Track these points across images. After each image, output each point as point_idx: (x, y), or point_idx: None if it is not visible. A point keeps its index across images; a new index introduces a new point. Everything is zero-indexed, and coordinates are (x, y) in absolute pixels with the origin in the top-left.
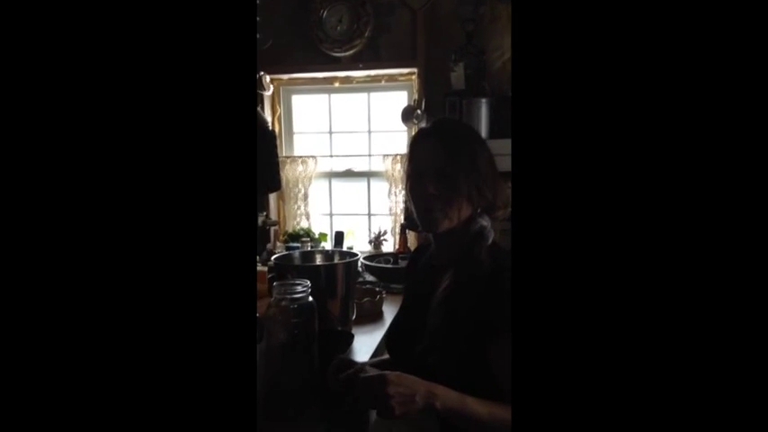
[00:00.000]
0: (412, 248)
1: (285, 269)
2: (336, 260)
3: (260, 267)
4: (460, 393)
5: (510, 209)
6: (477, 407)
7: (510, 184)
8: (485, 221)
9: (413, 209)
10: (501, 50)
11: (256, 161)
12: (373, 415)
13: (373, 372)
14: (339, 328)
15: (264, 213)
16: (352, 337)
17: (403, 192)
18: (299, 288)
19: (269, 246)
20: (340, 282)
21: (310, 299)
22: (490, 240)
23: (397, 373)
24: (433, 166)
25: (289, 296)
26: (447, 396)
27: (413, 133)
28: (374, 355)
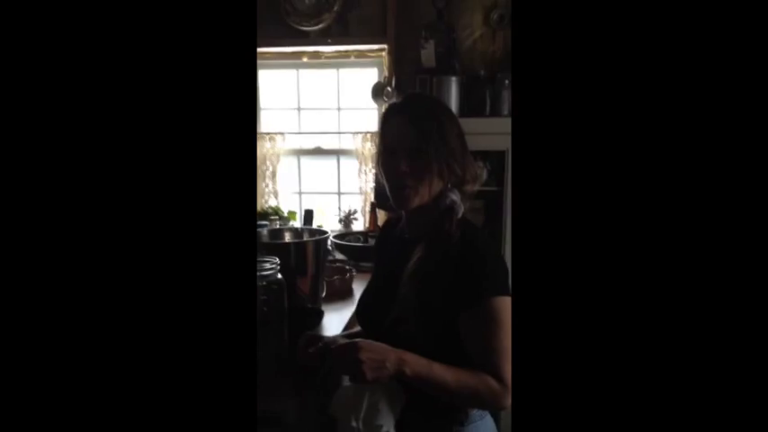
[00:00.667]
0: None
1: None
2: (306, 238)
3: None
4: (429, 360)
5: (477, 184)
6: (444, 373)
7: (480, 163)
8: (455, 196)
9: (385, 185)
10: (471, 29)
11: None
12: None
13: (345, 341)
14: (309, 306)
15: None
16: (321, 313)
17: (373, 170)
18: (267, 265)
19: None
20: (309, 259)
21: (279, 276)
22: (460, 214)
23: (368, 340)
24: (404, 143)
25: (257, 273)
26: (416, 362)
27: (383, 110)
28: (344, 330)
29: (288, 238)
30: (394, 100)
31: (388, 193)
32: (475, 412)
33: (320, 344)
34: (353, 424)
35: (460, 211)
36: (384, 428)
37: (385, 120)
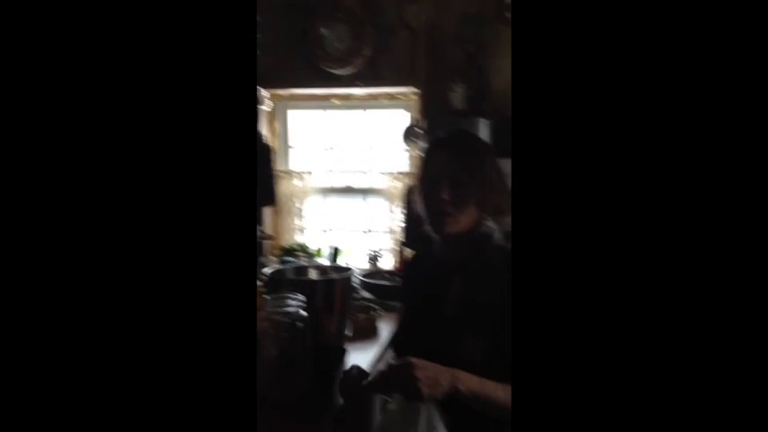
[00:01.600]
0: None
1: (279, 283)
2: (331, 275)
3: None
4: (480, 377)
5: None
6: (497, 390)
7: None
8: (491, 224)
9: (423, 211)
10: (502, 72)
11: (256, 173)
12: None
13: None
14: (333, 344)
15: (259, 228)
16: (344, 351)
17: (402, 210)
18: (292, 302)
19: (261, 259)
20: (335, 297)
21: (303, 313)
22: (497, 240)
23: (421, 360)
24: (446, 173)
25: (281, 310)
26: (469, 380)
27: (413, 152)
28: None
29: (313, 275)
30: (426, 140)
31: (428, 219)
32: None
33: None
34: None
35: (498, 237)
36: None
37: (429, 152)
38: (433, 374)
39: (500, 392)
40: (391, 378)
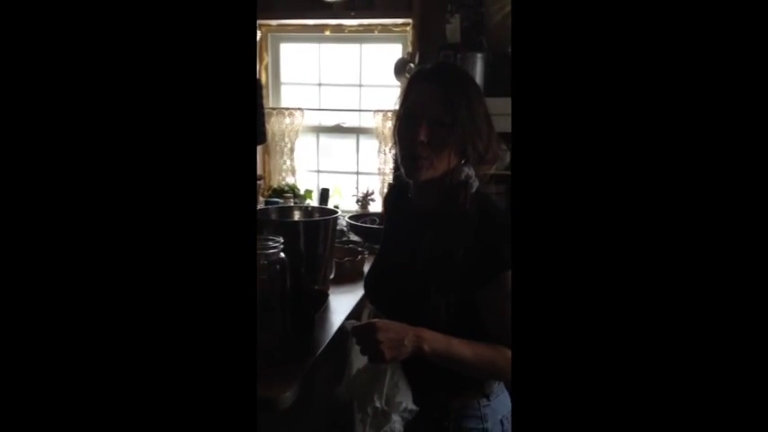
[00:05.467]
0: None
1: (262, 224)
2: (316, 217)
3: None
4: (446, 336)
5: (495, 167)
6: (462, 347)
7: (503, 145)
8: (470, 171)
9: (398, 152)
10: (500, 3)
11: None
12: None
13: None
14: (315, 287)
15: None
16: (326, 296)
17: (392, 151)
18: (271, 244)
19: None
20: (318, 239)
21: (282, 255)
22: (474, 189)
23: (385, 320)
24: (427, 112)
25: (258, 252)
26: (434, 339)
27: (409, 76)
28: (351, 314)
29: (297, 216)
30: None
31: (400, 161)
32: (497, 385)
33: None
34: (377, 404)
35: (475, 185)
36: (403, 404)
37: (410, 85)
38: (396, 336)
39: (466, 350)
40: (356, 340)
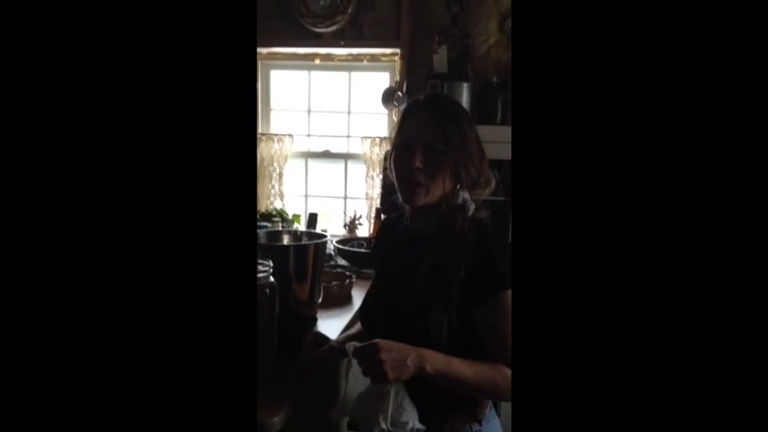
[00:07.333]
0: None
1: None
2: (305, 241)
3: None
4: (447, 355)
5: (488, 191)
6: (463, 367)
7: (495, 173)
8: (465, 195)
9: (394, 180)
10: (486, 35)
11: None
12: (342, 392)
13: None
14: (302, 311)
15: None
16: (314, 320)
17: (380, 176)
18: (260, 268)
19: None
20: (307, 263)
21: (271, 279)
22: (470, 212)
23: (387, 340)
24: (422, 139)
25: None
26: (435, 359)
27: (404, 107)
28: (341, 335)
29: (286, 240)
30: (405, 104)
31: (397, 187)
32: (489, 411)
33: (324, 347)
34: (383, 426)
35: (471, 209)
36: (410, 424)
37: (405, 115)
38: (399, 356)
39: (466, 369)
40: (358, 360)
